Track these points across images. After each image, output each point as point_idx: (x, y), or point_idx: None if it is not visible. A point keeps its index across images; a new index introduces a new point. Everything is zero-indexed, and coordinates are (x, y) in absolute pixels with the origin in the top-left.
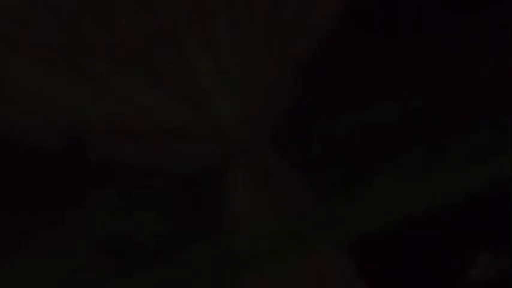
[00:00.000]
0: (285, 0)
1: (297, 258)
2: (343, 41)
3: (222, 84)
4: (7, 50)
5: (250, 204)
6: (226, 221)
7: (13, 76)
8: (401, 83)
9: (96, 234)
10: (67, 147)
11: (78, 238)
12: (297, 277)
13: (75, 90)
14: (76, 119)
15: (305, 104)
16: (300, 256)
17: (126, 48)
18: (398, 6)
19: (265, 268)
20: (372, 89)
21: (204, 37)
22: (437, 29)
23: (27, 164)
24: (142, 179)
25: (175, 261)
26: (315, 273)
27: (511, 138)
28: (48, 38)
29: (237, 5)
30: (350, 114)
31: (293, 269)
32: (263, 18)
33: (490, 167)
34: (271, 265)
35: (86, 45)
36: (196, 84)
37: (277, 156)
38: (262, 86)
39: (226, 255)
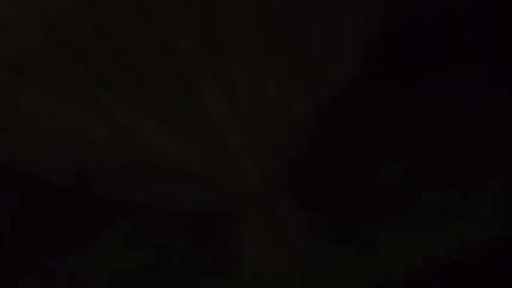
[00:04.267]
0: (308, 47)
1: None
2: (364, 88)
3: (240, 131)
4: (22, 84)
5: (260, 248)
6: (237, 261)
7: (26, 110)
8: (416, 135)
9: (105, 270)
10: (78, 184)
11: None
12: None
13: (92, 128)
14: (92, 157)
15: (321, 151)
16: None
17: (144, 89)
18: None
19: None
20: (388, 138)
21: (222, 83)
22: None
23: (37, 197)
24: (153, 216)
25: None
26: None
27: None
28: (66, 75)
29: (257, 47)
30: (364, 164)
31: None
32: (285, 64)
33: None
34: None
35: (104, 84)
36: (214, 129)
37: (289, 202)
38: (280, 133)
39: None
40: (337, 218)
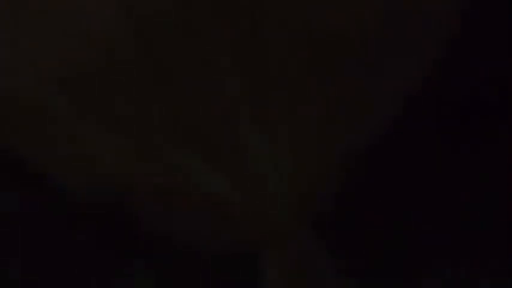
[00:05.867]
0: (345, 96)
1: None
2: (396, 140)
3: (272, 169)
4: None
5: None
6: None
7: (69, 137)
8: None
9: None
10: (113, 212)
11: None
12: None
13: (126, 154)
14: (126, 186)
15: (351, 194)
16: None
17: (183, 124)
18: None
19: None
20: (424, 188)
21: (261, 123)
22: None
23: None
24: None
25: None
26: None
27: None
28: (115, 109)
29: (300, 86)
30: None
31: None
32: (322, 108)
33: None
34: None
35: (148, 119)
36: (248, 166)
37: (317, 242)
38: (312, 174)
39: None
40: (365, 265)
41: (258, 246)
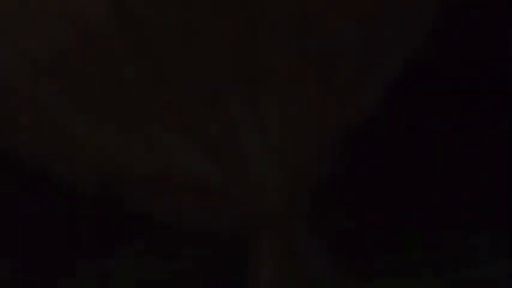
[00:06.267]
0: (336, 77)
1: None
2: (386, 120)
3: (263, 152)
4: (54, 92)
5: (274, 271)
6: (253, 283)
7: (58, 122)
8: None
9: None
10: (103, 196)
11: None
12: None
13: (117, 141)
14: (116, 170)
15: (343, 176)
16: None
17: (176, 108)
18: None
19: None
20: (415, 172)
21: (251, 105)
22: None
23: (60, 208)
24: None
25: None
26: None
27: None
28: (101, 89)
29: (287, 72)
30: (386, 194)
31: None
32: (313, 89)
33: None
34: None
35: (139, 104)
36: (239, 149)
37: (308, 226)
38: (303, 156)
39: None
40: (354, 249)
41: (248, 228)
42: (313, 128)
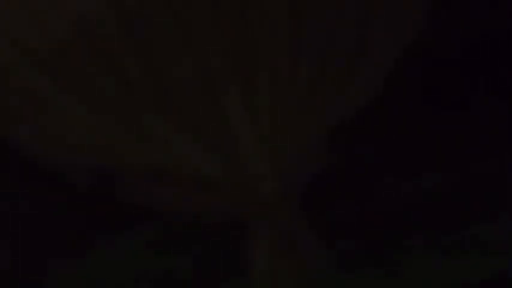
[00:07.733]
0: (330, 66)
1: None
2: (382, 109)
3: (256, 141)
4: (50, 85)
5: (268, 261)
6: (246, 271)
7: (56, 113)
8: (435, 157)
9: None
10: (97, 186)
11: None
12: None
13: (114, 132)
14: (110, 160)
15: (338, 167)
16: None
17: (170, 99)
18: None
19: None
20: (409, 159)
21: (244, 94)
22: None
23: (56, 198)
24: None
25: None
26: None
27: None
28: (95, 79)
29: (281, 63)
30: (382, 183)
31: None
32: (306, 80)
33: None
34: None
35: (132, 92)
36: (232, 138)
37: (301, 216)
38: (297, 146)
39: None
40: (350, 239)
41: (243, 218)
42: (307, 119)
